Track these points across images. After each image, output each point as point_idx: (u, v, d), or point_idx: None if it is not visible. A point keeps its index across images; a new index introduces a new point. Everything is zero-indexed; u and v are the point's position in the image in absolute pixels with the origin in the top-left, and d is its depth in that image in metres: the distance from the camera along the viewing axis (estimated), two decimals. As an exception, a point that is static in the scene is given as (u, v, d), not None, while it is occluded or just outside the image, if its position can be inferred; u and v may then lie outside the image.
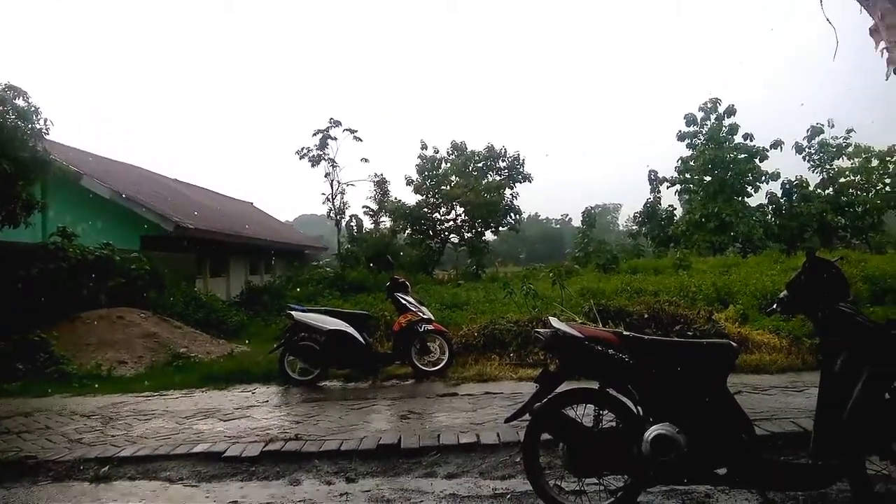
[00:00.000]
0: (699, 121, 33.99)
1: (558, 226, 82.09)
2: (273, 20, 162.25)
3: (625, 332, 3.95)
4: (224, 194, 32.65)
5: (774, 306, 3.95)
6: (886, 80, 4.53)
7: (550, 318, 4.18)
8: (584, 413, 3.90)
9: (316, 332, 8.20)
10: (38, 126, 12.43)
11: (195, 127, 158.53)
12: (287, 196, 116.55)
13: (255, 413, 6.46)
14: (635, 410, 3.78)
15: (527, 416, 3.91)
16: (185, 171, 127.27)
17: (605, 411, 3.88)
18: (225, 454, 4.97)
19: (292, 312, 8.51)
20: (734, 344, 3.84)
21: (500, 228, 36.21)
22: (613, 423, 3.86)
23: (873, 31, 4.73)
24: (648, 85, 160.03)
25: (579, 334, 3.85)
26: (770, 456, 3.94)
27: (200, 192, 28.86)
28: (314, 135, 26.54)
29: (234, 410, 6.56)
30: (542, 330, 4.14)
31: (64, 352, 9.72)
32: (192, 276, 18.34)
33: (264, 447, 5.07)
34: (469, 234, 34.04)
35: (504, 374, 7.92)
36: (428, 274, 29.61)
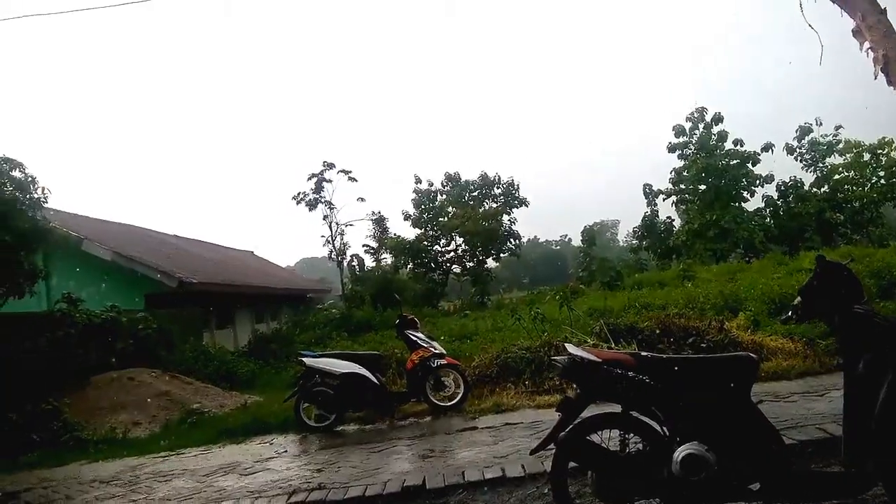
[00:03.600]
0: (688, 131, 34.22)
1: (559, 247, 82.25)
2: (260, 65, 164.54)
3: (642, 353, 3.94)
4: (223, 245, 32.74)
5: (790, 314, 3.94)
6: (875, 79, 4.58)
7: (566, 345, 4.16)
8: (609, 438, 3.86)
9: (329, 376, 8.16)
10: (35, 195, 12.56)
11: (189, 181, 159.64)
12: (286, 241, 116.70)
13: (275, 465, 6.40)
14: (661, 431, 3.74)
15: (552, 447, 3.87)
16: (183, 226, 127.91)
17: (631, 434, 3.84)
18: (249, 511, 4.91)
19: (304, 359, 8.48)
20: (753, 356, 3.83)
21: (501, 255, 36.27)
22: (640, 446, 3.83)
23: (856, 33, 4.81)
24: (636, 99, 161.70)
25: (597, 358, 3.84)
26: (801, 466, 3.90)
27: (200, 245, 28.94)
28: (309, 179, 26.80)
29: (254, 464, 6.49)
30: (558, 357, 4.12)
31: (77, 418, 9.66)
32: (198, 330, 18.29)
33: (288, 500, 5.01)
34: (471, 264, 34.09)
35: (521, 402, 7.86)
36: (433, 307, 29.56)
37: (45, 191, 12.59)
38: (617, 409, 3.84)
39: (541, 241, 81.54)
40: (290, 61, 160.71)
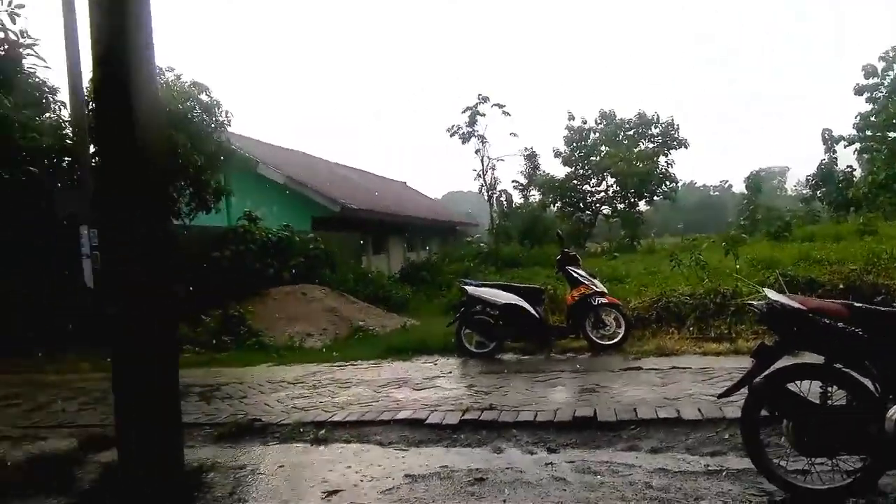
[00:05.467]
0: (880, 72, 30.41)
1: (717, 193, 77.42)
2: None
3: (856, 304, 3.65)
4: (379, 175, 34.04)
5: None
6: None
7: (766, 290, 3.95)
8: (808, 390, 3.67)
9: (490, 305, 8.36)
10: (219, 118, 13.65)
11: (348, 111, 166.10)
12: (435, 173, 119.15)
13: (442, 383, 6.73)
14: (873, 387, 3.49)
15: (743, 391, 3.74)
16: (342, 154, 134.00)
17: (833, 388, 3.63)
18: (427, 421, 5.23)
19: (466, 287, 8.73)
20: None
21: (655, 198, 34.85)
22: (844, 401, 3.61)
23: None
24: (816, 29, 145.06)
25: (801, 306, 3.61)
26: None
27: (358, 173, 30.30)
28: (463, 112, 26.87)
29: (423, 380, 6.87)
30: (756, 302, 3.93)
31: (259, 325, 10.68)
32: (357, 254, 19.39)
33: (462, 416, 5.27)
34: (621, 205, 33.11)
35: (686, 348, 7.64)
36: (580, 247, 29.18)
37: (228, 114, 13.63)
38: (816, 360, 3.63)
39: (698, 185, 77.18)
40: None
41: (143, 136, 3.64)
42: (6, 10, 10.10)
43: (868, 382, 3.53)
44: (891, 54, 29.98)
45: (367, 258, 21.15)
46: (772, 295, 3.84)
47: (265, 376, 7.61)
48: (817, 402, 3.63)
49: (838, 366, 3.62)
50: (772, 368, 3.70)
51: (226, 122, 13.79)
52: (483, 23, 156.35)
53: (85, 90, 12.14)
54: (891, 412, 3.33)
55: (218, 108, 13.57)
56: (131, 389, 3.70)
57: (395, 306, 14.83)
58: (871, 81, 30.80)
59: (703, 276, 11.02)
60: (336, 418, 5.47)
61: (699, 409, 4.97)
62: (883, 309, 3.62)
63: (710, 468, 4.04)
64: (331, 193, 19.33)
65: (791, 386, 3.71)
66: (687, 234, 32.68)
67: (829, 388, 3.64)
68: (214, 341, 10.00)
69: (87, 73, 11.87)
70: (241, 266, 12.85)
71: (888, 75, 30.13)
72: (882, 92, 30.34)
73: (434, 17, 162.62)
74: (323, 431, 5.16)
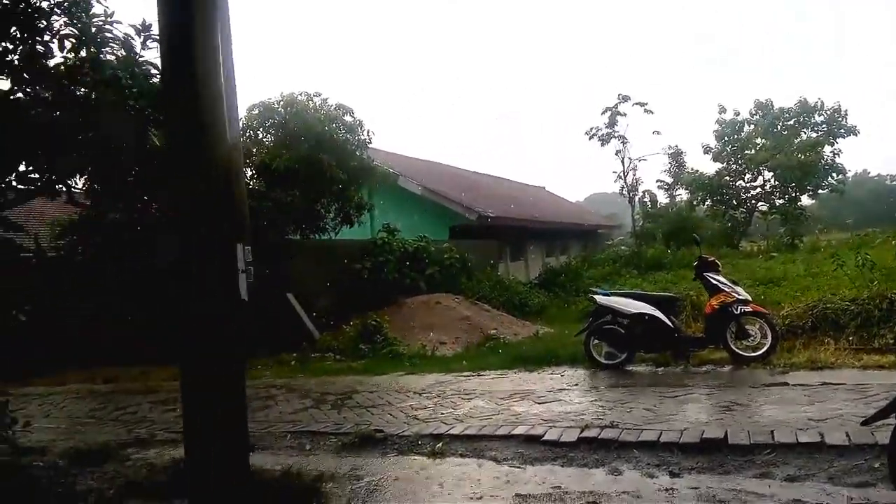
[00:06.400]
0: None
1: (895, 182, 69.23)
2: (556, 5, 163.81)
3: None
4: (517, 181, 34.02)
5: None
6: None
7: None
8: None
9: (620, 315, 8.03)
10: (362, 137, 14.36)
11: (486, 118, 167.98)
12: (578, 176, 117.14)
13: (566, 396, 6.56)
14: None
15: (892, 418, 3.29)
16: (480, 162, 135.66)
17: None
18: (543, 438, 5.11)
19: (595, 296, 8.46)
20: None
21: (820, 191, 31.89)
22: None
23: None
24: None
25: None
26: None
27: (496, 180, 30.48)
28: (603, 113, 26.26)
29: (547, 393, 6.73)
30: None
31: (394, 333, 11.03)
32: (494, 261, 19.50)
33: (581, 433, 5.10)
34: (781, 201, 30.58)
35: (843, 360, 6.88)
36: (734, 247, 27.32)
37: (370, 133, 14.31)
38: None
39: (871, 174, 69.52)
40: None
41: (209, 155, 3.65)
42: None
43: None
44: None
45: (505, 265, 21.20)
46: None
47: (395, 385, 7.84)
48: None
49: None
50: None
51: (368, 140, 14.50)
52: (623, 20, 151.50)
53: (240, 112, 13.40)
54: None
55: (361, 128, 14.31)
56: (195, 407, 3.68)
57: (530, 313, 14.75)
58: None
59: (872, 277, 9.89)
60: (454, 431, 5.50)
61: (847, 434, 4.44)
62: None
63: (853, 501, 3.59)
64: (467, 202, 19.60)
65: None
66: (858, 229, 29.46)
67: None
68: (353, 349, 10.46)
69: (244, 96, 13.09)
70: (379, 277, 13.42)
71: None
72: None
73: (573, 17, 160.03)
74: (440, 445, 5.20)
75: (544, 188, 37.07)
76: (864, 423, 3.56)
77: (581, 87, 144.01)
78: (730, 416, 5.30)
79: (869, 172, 69.89)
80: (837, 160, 30.95)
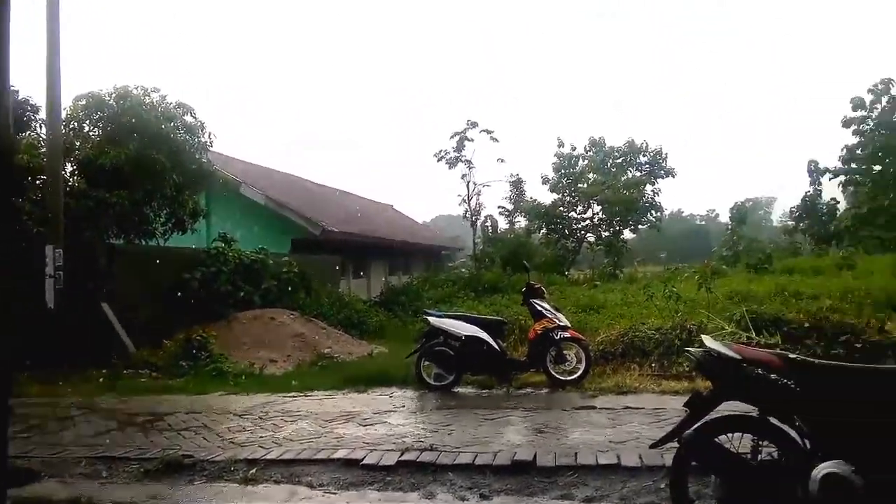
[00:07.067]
0: (868, 105, 30.72)
1: (703, 222, 77.82)
2: (410, 24, 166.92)
3: (791, 355, 3.55)
4: (365, 197, 33.97)
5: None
6: None
7: (704, 337, 3.84)
8: (739, 442, 3.54)
9: (452, 337, 8.21)
10: (203, 139, 13.59)
11: (335, 133, 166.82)
12: (426, 196, 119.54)
13: (392, 419, 6.57)
14: (801, 443, 3.37)
15: (675, 443, 3.61)
16: (328, 175, 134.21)
17: (765, 442, 3.50)
18: (363, 462, 5.07)
19: (429, 317, 8.59)
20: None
21: (640, 226, 34.92)
22: (773, 456, 3.48)
23: None
24: (806, 66, 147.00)
25: (737, 355, 3.51)
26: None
27: (343, 195, 30.21)
28: (451, 137, 26.91)
29: (373, 415, 6.70)
30: (694, 349, 3.84)
31: (222, 350, 10.47)
32: (336, 277, 19.21)
33: (400, 457, 5.11)
34: (607, 233, 33.09)
35: (645, 385, 7.52)
36: (563, 274, 29.06)
37: (212, 135, 13.60)
38: (752, 410, 3.51)
39: (684, 214, 77.53)
40: (442, 18, 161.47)
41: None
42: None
43: (798, 437, 3.41)
44: (880, 87, 30.30)
45: (347, 282, 20.96)
46: (709, 342, 3.75)
47: (214, 406, 7.43)
48: (747, 455, 3.51)
49: (771, 419, 3.51)
50: (708, 418, 3.59)
51: (209, 142, 13.74)
52: (474, 47, 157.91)
53: (64, 108, 12.16)
54: (816, 471, 3.20)
55: (202, 129, 13.54)
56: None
57: (368, 332, 14.64)
58: (858, 114, 31.07)
59: (678, 308, 10.95)
60: (270, 456, 5.30)
61: (640, 456, 4.83)
62: (816, 362, 3.52)
63: (639, 522, 3.89)
64: (311, 215, 19.17)
65: (723, 438, 3.59)
66: (670, 263, 32.71)
67: (760, 443, 3.52)
68: (174, 366, 9.78)
69: (67, 91, 11.90)
70: (211, 289, 12.66)
71: (876, 108, 30.43)
72: (869, 125, 30.63)
73: (424, 40, 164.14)
74: (254, 470, 4.98)
75: (392, 206, 37.31)
76: (652, 447, 3.88)
77: (434, 110, 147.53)
78: (541, 439, 5.58)
79: (683, 212, 77.89)
80: (657, 199, 34.17)
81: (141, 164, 11.81)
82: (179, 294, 11.92)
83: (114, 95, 12.55)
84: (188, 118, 13.32)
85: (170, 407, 7.34)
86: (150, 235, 13.15)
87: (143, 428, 6.41)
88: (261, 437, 5.95)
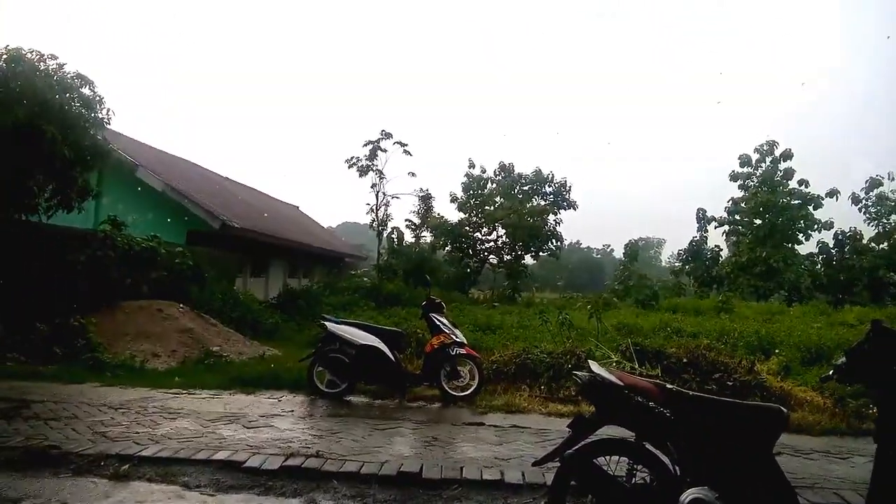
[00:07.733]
0: (754, 162, 33.34)
1: (599, 255, 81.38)
2: (329, 31, 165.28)
3: (668, 385, 3.78)
4: (271, 196, 33.15)
5: (831, 373, 3.73)
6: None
7: (590, 362, 4.02)
8: (617, 464, 3.73)
9: (348, 345, 8.13)
10: (100, 115, 12.79)
11: (248, 127, 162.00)
12: (333, 201, 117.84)
13: (279, 423, 6.41)
14: (672, 469, 3.59)
15: (557, 462, 3.75)
16: (234, 170, 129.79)
17: (640, 465, 3.71)
18: (245, 464, 4.92)
19: (326, 323, 8.47)
20: (783, 409, 3.64)
21: (541, 253, 35.98)
22: (646, 479, 3.69)
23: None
24: (705, 121, 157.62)
25: (619, 382, 3.70)
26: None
27: (248, 191, 29.36)
28: (365, 145, 26.83)
29: (259, 418, 6.52)
30: (580, 373, 4.00)
31: (101, 339, 9.88)
32: (233, 274, 18.58)
33: (284, 461, 5.00)
34: (508, 257, 33.91)
35: (533, 406, 7.73)
36: (464, 292, 29.48)
37: (110, 112, 12.80)
38: (630, 436, 3.70)
39: (582, 246, 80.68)
40: (361, 26, 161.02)
41: None
42: None
43: (669, 463, 3.63)
44: (765, 147, 32.83)
45: (244, 280, 20.33)
46: (595, 368, 3.92)
47: (88, 397, 6.98)
48: (623, 478, 3.69)
49: (647, 444, 3.72)
50: (589, 439, 3.75)
51: (106, 119, 12.94)
52: (394, 57, 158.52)
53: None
54: (683, 496, 3.42)
55: (100, 104, 12.73)
56: None
57: (262, 333, 14.23)
58: (745, 170, 33.55)
59: (569, 335, 11.38)
60: (146, 453, 5.04)
61: (523, 474, 4.97)
62: (689, 393, 3.76)
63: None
64: (211, 207, 18.45)
65: (602, 459, 3.77)
66: (566, 291, 33.91)
67: (635, 466, 3.72)
68: (46, 352, 9.11)
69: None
70: (96, 274, 11.91)
71: (761, 166, 32.93)
72: (754, 181, 33.09)
73: (346, 45, 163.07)
74: (126, 467, 4.72)
75: (298, 208, 36.62)
76: (535, 464, 4.00)
77: (349, 117, 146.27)
78: (429, 451, 5.61)
79: (581, 244, 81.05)
80: (558, 228, 35.37)
81: (28, 134, 10.97)
82: (60, 276, 11.13)
83: (4, 57, 11.63)
84: (86, 91, 12.49)
85: (38, 395, 6.84)
86: (31, 211, 12.22)
87: (4, 415, 5.92)
88: (136, 432, 5.65)
